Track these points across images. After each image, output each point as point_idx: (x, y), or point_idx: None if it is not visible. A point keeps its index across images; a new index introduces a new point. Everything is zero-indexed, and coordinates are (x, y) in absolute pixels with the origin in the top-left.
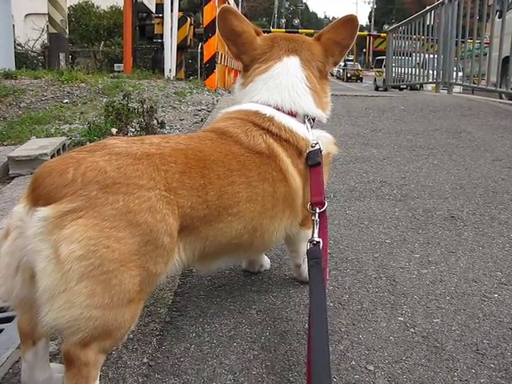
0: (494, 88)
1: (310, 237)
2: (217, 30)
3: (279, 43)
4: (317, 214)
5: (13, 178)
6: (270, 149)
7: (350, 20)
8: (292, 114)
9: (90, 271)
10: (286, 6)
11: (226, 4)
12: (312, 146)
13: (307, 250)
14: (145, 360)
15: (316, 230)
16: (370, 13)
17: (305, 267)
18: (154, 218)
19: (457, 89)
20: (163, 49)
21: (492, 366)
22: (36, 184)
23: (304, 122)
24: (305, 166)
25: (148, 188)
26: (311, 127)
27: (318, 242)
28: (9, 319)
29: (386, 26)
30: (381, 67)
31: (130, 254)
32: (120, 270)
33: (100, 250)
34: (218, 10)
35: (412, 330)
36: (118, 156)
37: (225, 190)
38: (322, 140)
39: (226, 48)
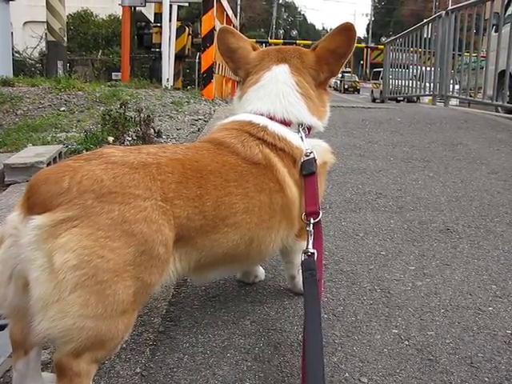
0: (490, 101)
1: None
2: (215, 40)
3: (269, 54)
4: (311, 225)
5: (8, 185)
6: (267, 159)
7: (346, 28)
8: (285, 123)
9: (83, 281)
10: (285, 17)
11: (225, 24)
12: (306, 155)
13: (302, 261)
14: (138, 370)
15: (310, 241)
16: (368, 25)
17: (299, 279)
18: (150, 229)
19: (453, 102)
20: (161, 58)
21: (486, 379)
22: (31, 192)
23: (298, 131)
24: (300, 175)
25: (144, 198)
26: (306, 136)
27: (313, 253)
28: (1, 328)
29: (383, 39)
30: (378, 79)
31: (124, 265)
32: (114, 280)
33: (94, 260)
34: (216, 22)
35: (406, 342)
36: (115, 165)
37: (221, 201)
38: (318, 149)
39: None
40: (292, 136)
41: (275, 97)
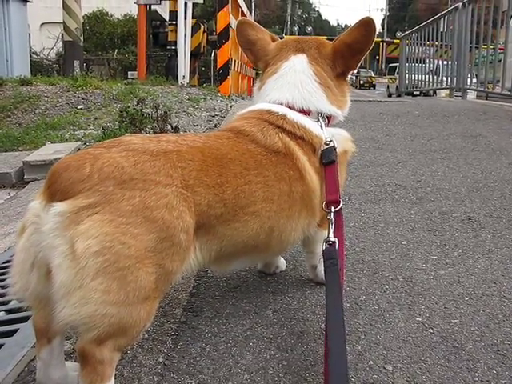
0: (509, 93)
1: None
2: (230, 36)
3: (288, 45)
4: (332, 213)
5: (28, 182)
6: (287, 147)
7: (365, 23)
8: (304, 112)
9: (105, 267)
10: (299, 13)
11: (244, 17)
12: (326, 144)
13: (323, 251)
14: (160, 359)
15: (331, 230)
16: (383, 20)
17: (321, 268)
18: (171, 215)
19: (470, 95)
20: (177, 56)
21: None
22: (52, 179)
23: (318, 120)
24: (320, 164)
25: (165, 184)
26: (326, 125)
27: (334, 242)
28: (24, 319)
29: (398, 33)
30: (394, 74)
31: (146, 251)
32: (136, 266)
33: (116, 246)
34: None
35: (430, 330)
36: (135, 152)
37: (241, 189)
38: (338, 138)
39: (240, 54)
40: (311, 124)
41: (293, 86)
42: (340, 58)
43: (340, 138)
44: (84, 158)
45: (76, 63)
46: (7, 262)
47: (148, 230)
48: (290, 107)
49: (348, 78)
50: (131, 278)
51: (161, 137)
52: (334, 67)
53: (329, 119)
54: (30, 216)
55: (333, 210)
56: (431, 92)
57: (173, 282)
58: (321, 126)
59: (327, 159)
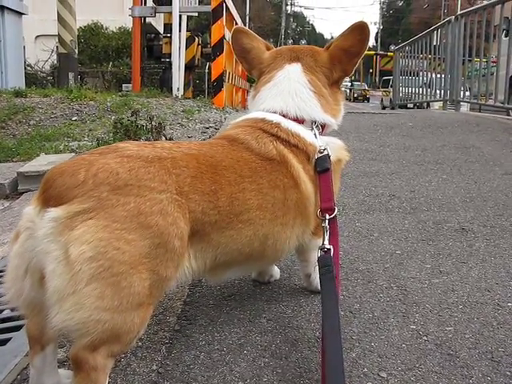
0: (501, 104)
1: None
2: (224, 48)
3: (282, 53)
4: (327, 221)
5: (22, 193)
6: (281, 155)
7: (359, 27)
8: (299, 121)
9: (99, 273)
10: (293, 27)
11: (239, 26)
12: (320, 152)
13: (318, 258)
14: (154, 367)
15: (326, 237)
16: (377, 33)
17: (315, 276)
18: (165, 221)
19: (464, 108)
20: (171, 68)
21: (508, 373)
22: (47, 185)
23: (312, 129)
24: (314, 172)
25: (159, 191)
26: (321, 134)
27: (329, 249)
28: (17, 328)
29: (392, 47)
30: (387, 87)
31: (140, 257)
32: (130, 272)
33: (110, 252)
34: (225, 30)
35: (425, 337)
36: (130, 158)
37: (236, 197)
38: (332, 146)
39: (234, 67)
40: (305, 133)
41: (288, 95)
42: (338, 64)
43: (334, 147)
44: (79, 163)
45: (70, 75)
46: (0, 271)
47: (142, 236)
48: (284, 115)
49: (342, 88)
50: (125, 283)
51: (156, 144)
52: (330, 74)
53: (323, 128)
54: (25, 221)
55: (327, 217)
56: (425, 105)
57: (167, 288)
58: (315, 135)
59: (321, 167)
